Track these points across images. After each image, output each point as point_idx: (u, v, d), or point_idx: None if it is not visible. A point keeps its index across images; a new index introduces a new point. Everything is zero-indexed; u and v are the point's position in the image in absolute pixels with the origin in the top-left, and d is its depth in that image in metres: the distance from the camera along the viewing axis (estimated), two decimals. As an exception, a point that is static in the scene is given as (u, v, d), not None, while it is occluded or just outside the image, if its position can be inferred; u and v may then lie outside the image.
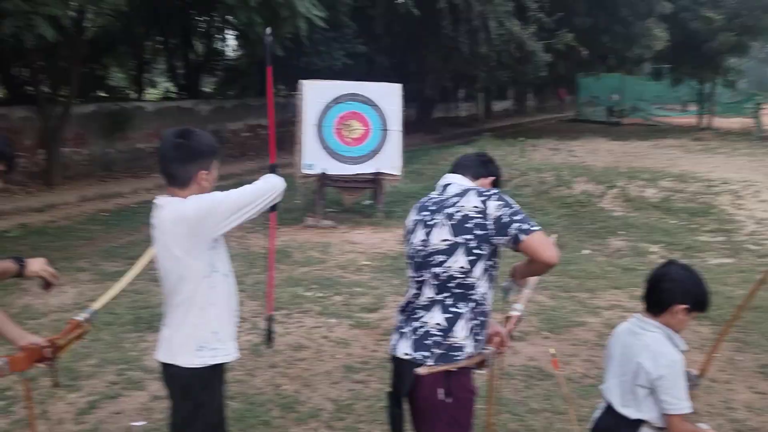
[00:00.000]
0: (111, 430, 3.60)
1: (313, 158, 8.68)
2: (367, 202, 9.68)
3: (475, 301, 2.29)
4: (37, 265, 2.52)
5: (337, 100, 8.76)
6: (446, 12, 15.85)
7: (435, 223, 2.32)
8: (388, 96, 8.84)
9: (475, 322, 2.31)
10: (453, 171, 2.52)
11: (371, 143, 8.86)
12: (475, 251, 2.25)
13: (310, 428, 3.63)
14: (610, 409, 2.29)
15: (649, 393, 2.18)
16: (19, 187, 10.53)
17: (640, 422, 2.21)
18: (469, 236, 2.25)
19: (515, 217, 2.24)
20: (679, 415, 2.14)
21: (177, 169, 2.35)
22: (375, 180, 8.86)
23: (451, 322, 2.27)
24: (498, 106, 33.01)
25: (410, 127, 18.68)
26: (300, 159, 8.66)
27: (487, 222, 2.25)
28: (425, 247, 2.33)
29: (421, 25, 16.59)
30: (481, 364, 2.41)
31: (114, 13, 10.14)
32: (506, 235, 2.23)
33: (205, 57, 19.78)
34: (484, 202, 2.27)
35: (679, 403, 2.14)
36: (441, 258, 2.28)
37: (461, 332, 2.28)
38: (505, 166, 11.23)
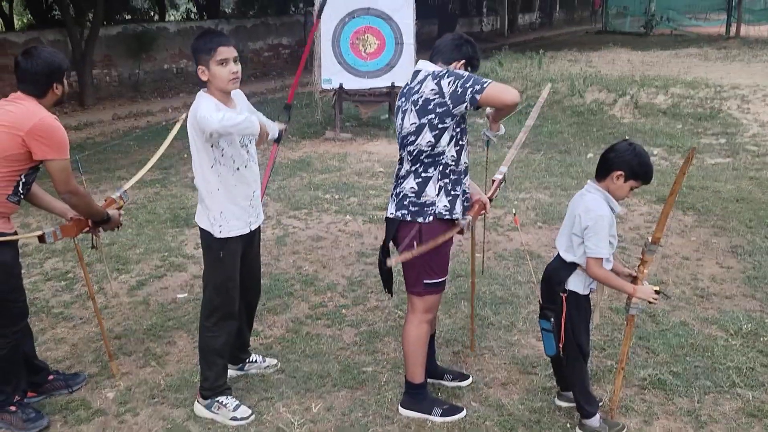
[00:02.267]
0: (159, 301, 4.27)
1: (331, 73, 9.02)
2: (384, 116, 10.06)
3: (443, 164, 2.74)
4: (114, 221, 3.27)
5: (352, 15, 8.99)
6: None
7: (406, 109, 2.77)
8: (401, 9, 9.02)
9: (446, 180, 2.76)
10: (430, 57, 2.87)
11: (386, 57, 9.14)
12: (439, 126, 2.67)
13: (327, 297, 4.26)
14: (558, 256, 2.80)
15: (581, 242, 2.67)
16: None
17: (575, 265, 2.72)
18: (431, 116, 2.67)
19: (467, 84, 2.56)
20: (595, 258, 2.64)
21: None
22: (390, 93, 9.19)
23: (422, 185, 2.75)
24: (523, 19, 32.21)
25: (431, 43, 18.59)
26: (318, 75, 9.02)
27: (444, 99, 2.64)
28: (401, 129, 2.79)
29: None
30: (461, 232, 2.88)
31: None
32: (464, 102, 2.61)
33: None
34: (438, 83, 2.65)
35: (597, 249, 2.62)
36: (412, 138, 2.73)
37: (432, 191, 2.75)
38: (521, 78, 11.42)
